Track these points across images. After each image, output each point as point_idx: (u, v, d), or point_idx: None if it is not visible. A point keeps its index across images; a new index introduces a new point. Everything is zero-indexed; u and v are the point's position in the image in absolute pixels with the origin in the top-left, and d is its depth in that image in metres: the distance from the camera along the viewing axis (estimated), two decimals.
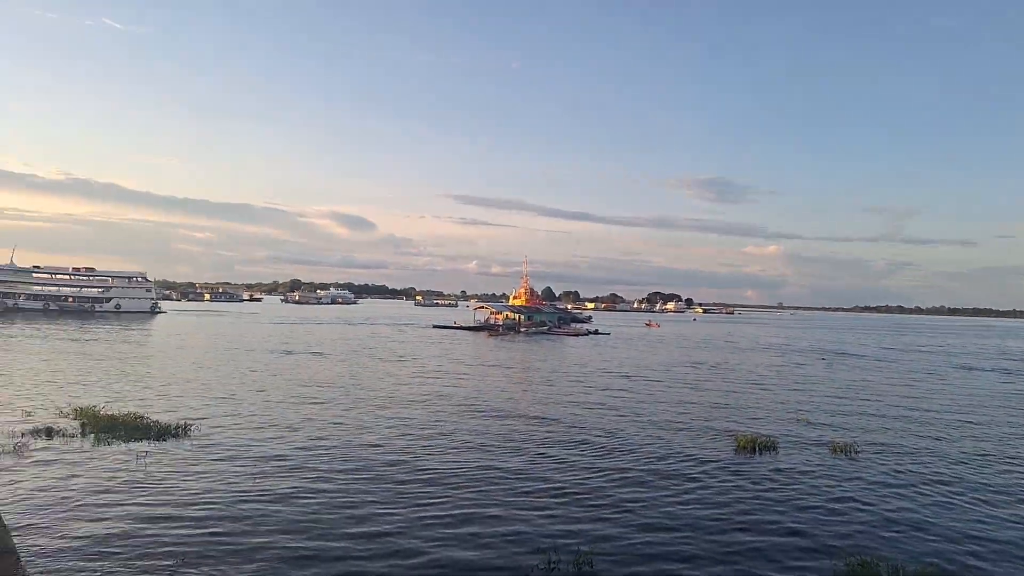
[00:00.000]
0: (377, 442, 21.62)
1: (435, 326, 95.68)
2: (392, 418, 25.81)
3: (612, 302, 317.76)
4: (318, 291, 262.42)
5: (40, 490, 15.28)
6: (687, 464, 20.05)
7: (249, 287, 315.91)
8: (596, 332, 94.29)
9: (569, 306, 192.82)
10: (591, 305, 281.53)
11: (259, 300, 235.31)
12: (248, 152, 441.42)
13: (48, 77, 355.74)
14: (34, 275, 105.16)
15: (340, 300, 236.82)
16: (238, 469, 17.77)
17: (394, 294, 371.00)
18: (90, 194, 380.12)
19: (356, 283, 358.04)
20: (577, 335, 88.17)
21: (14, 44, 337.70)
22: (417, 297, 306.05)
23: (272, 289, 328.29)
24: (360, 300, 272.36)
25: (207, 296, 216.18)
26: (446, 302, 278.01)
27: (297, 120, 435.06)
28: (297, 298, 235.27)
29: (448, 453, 20.53)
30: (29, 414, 23.26)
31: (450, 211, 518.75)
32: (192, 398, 28.86)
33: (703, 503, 16.24)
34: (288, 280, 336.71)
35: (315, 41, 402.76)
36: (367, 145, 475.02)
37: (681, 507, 15.89)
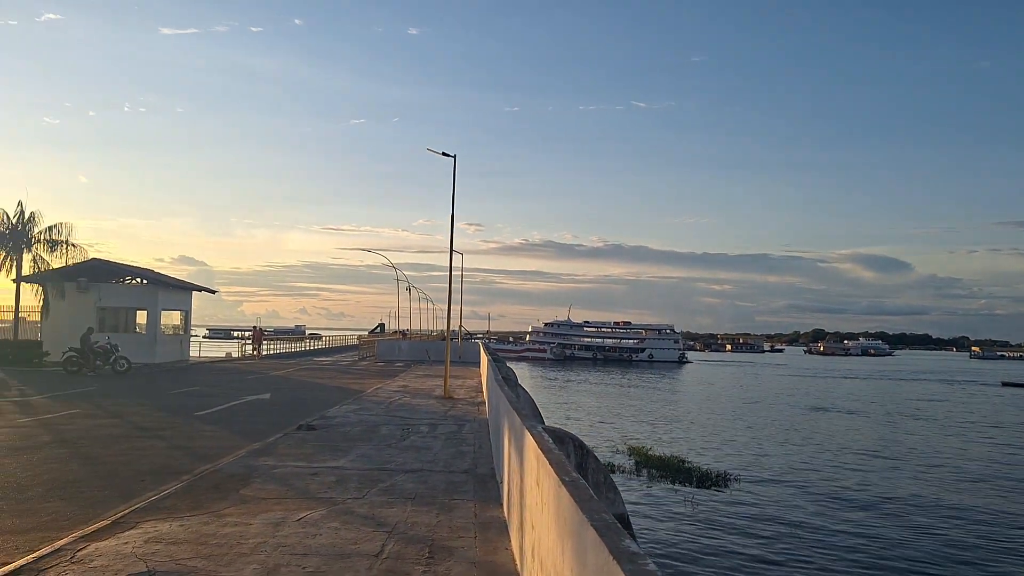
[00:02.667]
0: (937, 530, 17.61)
1: (1004, 383, 77.01)
2: (959, 507, 20.89)
3: None
4: (845, 341, 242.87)
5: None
6: None
7: (769, 338, 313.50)
8: None
9: None
10: None
11: (780, 351, 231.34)
12: (763, 202, 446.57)
13: (584, 159, 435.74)
14: (585, 329, 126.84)
15: (872, 351, 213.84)
16: (780, 528, 16.76)
17: (940, 344, 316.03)
18: (622, 256, 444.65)
19: (889, 332, 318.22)
20: None
21: (557, 136, 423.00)
22: (973, 348, 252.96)
23: (793, 339, 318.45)
24: (896, 351, 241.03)
25: (728, 347, 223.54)
26: (1016, 354, 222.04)
27: (819, 162, 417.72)
28: (822, 348, 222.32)
29: None
30: (593, 448, 26.90)
31: (1014, 241, 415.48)
32: (724, 447, 29.34)
33: None
34: (810, 330, 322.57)
35: (835, 78, 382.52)
36: (893, 178, 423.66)
37: None
